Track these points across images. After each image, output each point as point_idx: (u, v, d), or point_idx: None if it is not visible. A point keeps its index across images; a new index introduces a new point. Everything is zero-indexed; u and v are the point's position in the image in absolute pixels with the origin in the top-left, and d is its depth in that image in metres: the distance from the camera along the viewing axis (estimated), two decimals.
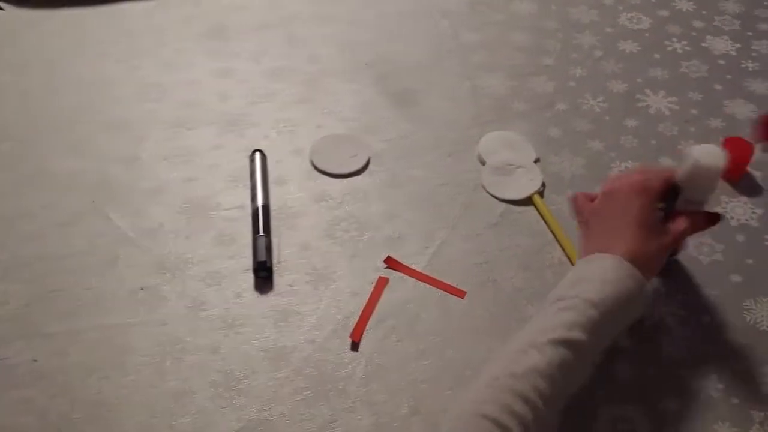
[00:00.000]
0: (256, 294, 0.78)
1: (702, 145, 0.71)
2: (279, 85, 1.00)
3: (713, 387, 0.71)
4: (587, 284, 0.66)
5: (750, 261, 0.81)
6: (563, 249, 0.82)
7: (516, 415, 0.58)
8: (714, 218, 0.75)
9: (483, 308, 0.77)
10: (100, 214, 0.84)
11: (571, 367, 0.62)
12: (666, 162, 0.91)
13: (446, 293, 0.78)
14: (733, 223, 0.85)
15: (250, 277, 0.79)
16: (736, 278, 0.79)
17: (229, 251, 0.82)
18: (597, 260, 0.69)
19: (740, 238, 0.83)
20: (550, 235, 0.83)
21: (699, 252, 0.81)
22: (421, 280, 0.79)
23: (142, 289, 0.78)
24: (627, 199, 0.71)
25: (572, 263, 0.80)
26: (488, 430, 0.57)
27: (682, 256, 0.80)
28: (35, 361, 0.72)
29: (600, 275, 0.67)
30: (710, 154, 0.70)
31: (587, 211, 0.75)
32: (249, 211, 0.85)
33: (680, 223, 0.72)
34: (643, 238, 0.69)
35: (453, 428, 0.60)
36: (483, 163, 0.91)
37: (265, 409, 0.69)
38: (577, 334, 0.63)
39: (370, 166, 0.90)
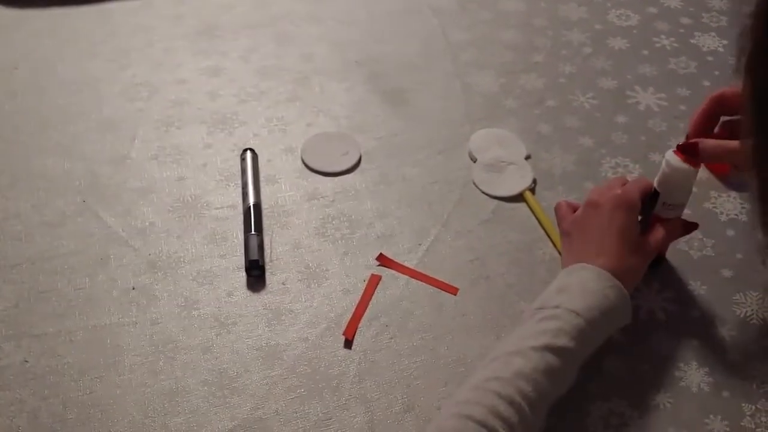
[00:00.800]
0: (248, 292, 0.78)
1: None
2: (269, 84, 1.00)
3: (704, 381, 0.72)
4: (569, 295, 0.67)
5: (740, 255, 0.81)
6: (555, 245, 0.82)
7: (502, 418, 0.58)
8: (690, 226, 0.77)
9: (476, 305, 0.77)
10: (91, 213, 0.84)
11: (556, 373, 0.63)
12: (656, 158, 0.91)
13: (439, 290, 0.78)
14: (723, 218, 0.85)
15: (242, 276, 0.79)
16: (726, 273, 0.80)
17: (221, 250, 0.81)
18: (578, 271, 0.69)
19: (730, 232, 0.84)
20: (542, 232, 0.84)
21: (689, 247, 0.82)
22: (413, 278, 0.79)
23: (133, 288, 0.78)
24: (610, 213, 0.72)
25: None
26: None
27: (672, 252, 0.81)
28: (26, 362, 0.72)
29: (581, 286, 0.67)
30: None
31: (568, 221, 0.76)
32: (240, 209, 0.85)
33: (657, 235, 0.74)
34: (625, 252, 0.71)
35: (439, 428, 0.60)
36: (474, 160, 0.91)
37: (258, 408, 0.69)
38: (563, 341, 0.63)
39: (362, 164, 0.90)
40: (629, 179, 0.77)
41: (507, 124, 0.95)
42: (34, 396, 0.70)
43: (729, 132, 0.81)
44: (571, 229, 0.75)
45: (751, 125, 0.44)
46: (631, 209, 0.72)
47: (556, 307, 0.66)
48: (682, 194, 0.74)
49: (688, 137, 0.81)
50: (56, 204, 0.85)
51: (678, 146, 0.72)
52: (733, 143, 0.72)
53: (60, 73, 1.01)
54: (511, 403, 0.59)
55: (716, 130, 0.83)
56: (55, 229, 0.82)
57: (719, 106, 0.80)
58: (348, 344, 0.74)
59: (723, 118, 0.82)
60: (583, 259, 0.71)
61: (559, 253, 0.81)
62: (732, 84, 0.79)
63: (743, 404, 0.70)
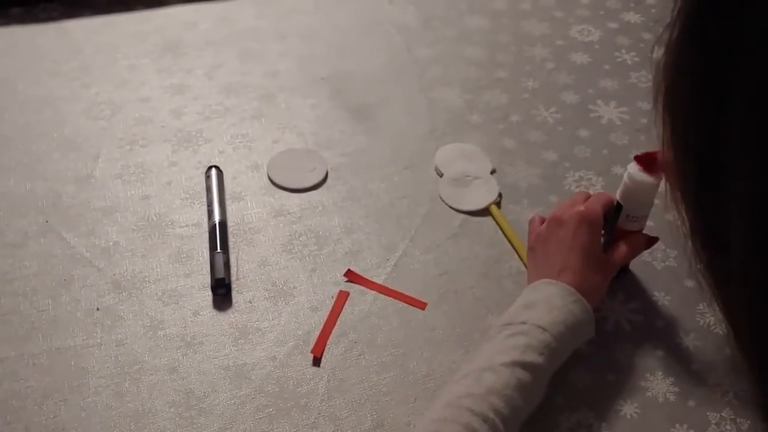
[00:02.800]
0: (214, 311, 0.77)
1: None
2: (233, 101, 1.00)
3: (670, 390, 0.72)
4: (535, 311, 0.67)
5: (701, 266, 0.82)
6: (521, 259, 0.83)
7: None
8: (652, 240, 0.79)
9: (444, 319, 0.77)
10: (54, 234, 0.83)
11: (527, 389, 0.63)
12: (618, 171, 0.92)
13: (407, 305, 0.78)
14: (686, 229, 0.86)
15: (208, 295, 0.78)
16: (689, 283, 0.81)
17: (186, 269, 0.81)
18: (542, 287, 0.70)
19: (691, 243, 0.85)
20: (508, 245, 0.84)
21: (653, 258, 0.83)
22: (381, 293, 0.79)
23: (98, 309, 0.77)
24: (573, 230, 0.73)
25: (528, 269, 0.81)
26: None
27: (636, 263, 0.82)
28: None
29: (547, 302, 0.68)
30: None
31: (533, 237, 0.77)
32: (205, 227, 0.84)
33: (620, 252, 0.75)
34: (589, 269, 0.72)
35: None
36: (440, 175, 0.91)
37: (227, 428, 0.69)
38: (531, 357, 0.64)
39: (329, 180, 0.90)
40: (591, 193, 0.78)
41: (472, 139, 0.96)
42: None
43: None
44: (535, 245, 0.76)
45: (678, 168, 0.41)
46: (594, 226, 0.73)
47: (523, 323, 0.66)
48: (645, 206, 0.75)
49: None
50: (18, 224, 0.83)
51: (636, 157, 0.73)
52: None
53: (21, 91, 0.99)
54: (485, 419, 0.59)
55: None
56: (17, 249, 0.81)
57: None
58: (316, 362, 0.74)
59: None
60: (547, 275, 0.71)
61: (526, 267, 0.82)
62: None
63: (708, 413, 0.70)
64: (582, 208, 0.74)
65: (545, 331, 0.65)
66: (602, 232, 0.75)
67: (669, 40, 0.38)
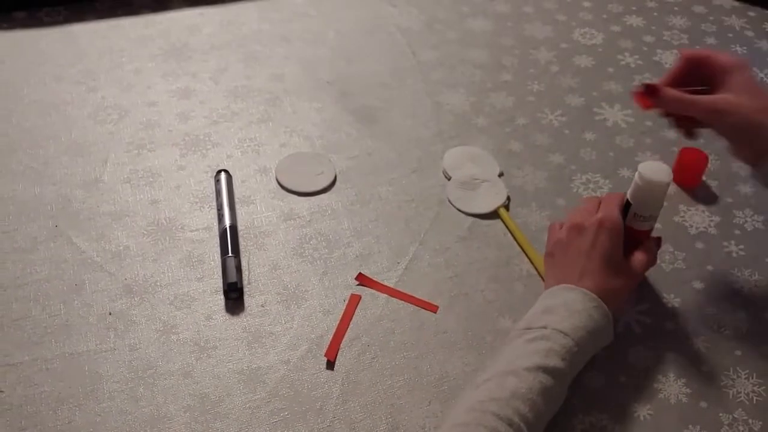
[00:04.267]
0: (227, 315, 0.77)
1: (649, 161, 0.75)
2: (240, 105, 1.00)
3: (682, 392, 0.73)
4: (555, 316, 0.68)
5: (710, 267, 0.83)
6: (531, 261, 0.83)
7: None
8: (659, 242, 0.80)
9: (456, 322, 0.78)
10: (63, 238, 0.83)
11: (550, 393, 0.64)
12: (625, 173, 0.93)
13: (419, 308, 0.79)
14: (693, 231, 0.87)
15: (220, 299, 0.78)
16: (697, 285, 0.82)
17: (198, 273, 0.81)
18: (562, 292, 0.71)
19: (699, 245, 0.86)
20: (518, 248, 0.85)
21: (661, 260, 0.83)
22: (393, 296, 0.79)
23: (110, 314, 0.76)
24: (594, 236, 0.73)
25: (540, 275, 0.82)
26: None
27: None
28: (1, 392, 0.70)
29: (567, 307, 0.68)
30: (657, 171, 0.73)
31: (552, 243, 0.77)
32: (216, 231, 0.84)
33: (640, 258, 0.76)
34: (610, 275, 0.72)
35: None
36: (448, 178, 0.92)
37: None
38: (554, 362, 0.64)
39: (337, 183, 0.91)
40: (600, 197, 0.79)
41: (478, 142, 0.96)
42: (11, 427, 0.68)
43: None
44: (554, 251, 0.76)
45: None
46: (614, 232, 0.74)
47: (544, 327, 0.66)
48: (654, 206, 0.76)
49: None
50: (28, 229, 0.83)
51: (643, 83, 0.74)
52: (694, 97, 0.73)
53: (26, 95, 0.99)
54: (511, 424, 0.59)
55: None
56: (28, 254, 0.81)
57: (695, 67, 0.76)
58: (330, 365, 0.74)
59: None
60: (566, 281, 0.72)
61: (536, 269, 0.82)
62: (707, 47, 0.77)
63: (721, 414, 0.71)
64: (601, 215, 0.74)
65: (566, 336, 0.66)
66: (622, 237, 0.75)
67: None
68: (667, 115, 0.78)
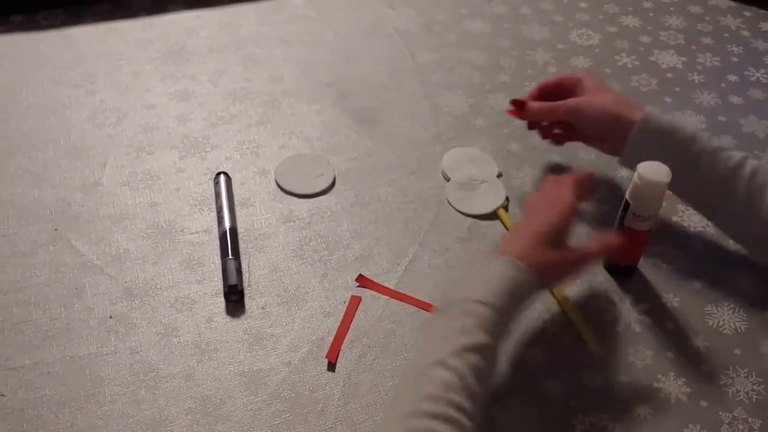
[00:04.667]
0: (228, 318, 0.77)
1: (648, 161, 0.75)
2: (239, 107, 1.00)
3: (682, 391, 0.73)
4: (473, 284, 0.67)
5: (709, 267, 0.83)
6: None
7: None
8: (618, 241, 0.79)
9: None
10: (63, 242, 0.83)
11: (481, 372, 0.62)
12: (623, 173, 0.93)
13: (419, 309, 0.79)
14: (691, 230, 0.87)
15: (221, 301, 0.78)
16: (697, 284, 0.82)
17: (198, 275, 0.81)
18: (486, 264, 0.69)
19: (698, 245, 0.86)
20: None
21: (661, 260, 0.84)
22: (393, 297, 0.80)
23: (111, 317, 0.76)
24: (541, 213, 0.73)
25: None
26: None
27: (644, 265, 0.83)
28: (2, 396, 0.70)
29: (483, 274, 0.67)
30: (656, 171, 0.74)
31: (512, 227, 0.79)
32: (216, 234, 0.84)
33: (588, 247, 0.75)
34: (540, 246, 0.70)
35: None
36: (447, 179, 0.92)
37: None
38: (477, 338, 0.63)
39: (336, 185, 0.91)
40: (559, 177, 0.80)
41: (477, 143, 0.97)
42: (12, 431, 0.68)
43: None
44: (509, 234, 0.76)
45: None
46: (564, 211, 0.73)
47: (465, 300, 0.65)
48: (653, 206, 0.76)
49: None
50: (27, 233, 0.83)
51: (511, 101, 0.88)
52: (556, 102, 0.86)
53: (24, 99, 0.99)
54: (448, 419, 0.58)
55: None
56: (28, 258, 0.81)
57: (556, 90, 0.88)
58: (331, 367, 0.74)
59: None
60: (500, 251, 0.70)
61: None
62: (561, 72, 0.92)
63: (721, 413, 0.71)
64: (553, 196, 0.75)
65: (485, 305, 0.64)
66: (572, 216, 0.74)
67: None
68: (532, 127, 0.91)
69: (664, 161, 0.74)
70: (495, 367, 0.66)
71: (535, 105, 0.87)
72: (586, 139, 0.88)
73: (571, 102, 0.85)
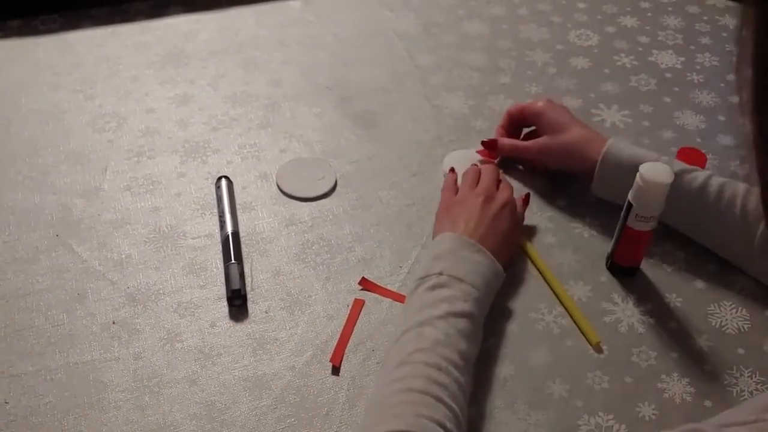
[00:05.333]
0: (231, 322, 0.77)
1: (650, 163, 0.75)
2: (239, 111, 1.00)
3: (686, 391, 0.73)
4: (446, 261, 0.73)
5: (711, 267, 0.84)
6: (532, 261, 0.83)
7: (439, 383, 0.63)
8: (527, 199, 0.87)
9: None
10: (65, 247, 0.82)
11: (467, 333, 0.68)
12: None
13: None
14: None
15: (224, 306, 0.78)
16: (699, 284, 0.82)
17: (201, 280, 0.81)
18: (448, 240, 0.75)
19: (700, 245, 0.86)
20: (518, 249, 0.85)
21: (663, 260, 0.84)
22: (397, 300, 0.80)
23: (114, 323, 0.76)
24: (500, 210, 0.80)
25: (541, 274, 0.82)
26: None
27: (646, 265, 0.83)
28: (6, 403, 0.70)
29: (453, 253, 0.74)
30: (657, 172, 0.74)
31: (452, 200, 0.83)
32: (218, 238, 0.84)
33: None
34: (504, 247, 0.79)
35: (386, 406, 0.62)
36: None
37: None
38: (460, 306, 0.69)
39: (338, 188, 0.91)
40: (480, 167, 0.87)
41: (478, 145, 0.96)
42: None
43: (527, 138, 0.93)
44: (453, 207, 0.81)
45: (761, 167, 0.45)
46: (515, 217, 0.82)
47: (440, 273, 0.72)
48: (656, 207, 0.76)
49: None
50: (29, 239, 0.83)
51: (482, 142, 0.92)
52: (524, 143, 0.91)
53: (23, 104, 0.99)
54: (440, 368, 0.64)
55: (521, 138, 0.95)
56: (30, 264, 0.81)
57: (520, 119, 0.93)
58: (335, 371, 0.74)
59: (525, 130, 0.95)
60: (455, 231, 0.77)
61: (537, 269, 0.82)
62: (528, 101, 0.94)
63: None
64: (508, 196, 0.82)
65: (463, 281, 0.71)
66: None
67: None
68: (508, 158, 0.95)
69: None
70: (480, 335, 0.71)
71: (506, 144, 0.92)
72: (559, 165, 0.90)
73: (537, 143, 0.89)
